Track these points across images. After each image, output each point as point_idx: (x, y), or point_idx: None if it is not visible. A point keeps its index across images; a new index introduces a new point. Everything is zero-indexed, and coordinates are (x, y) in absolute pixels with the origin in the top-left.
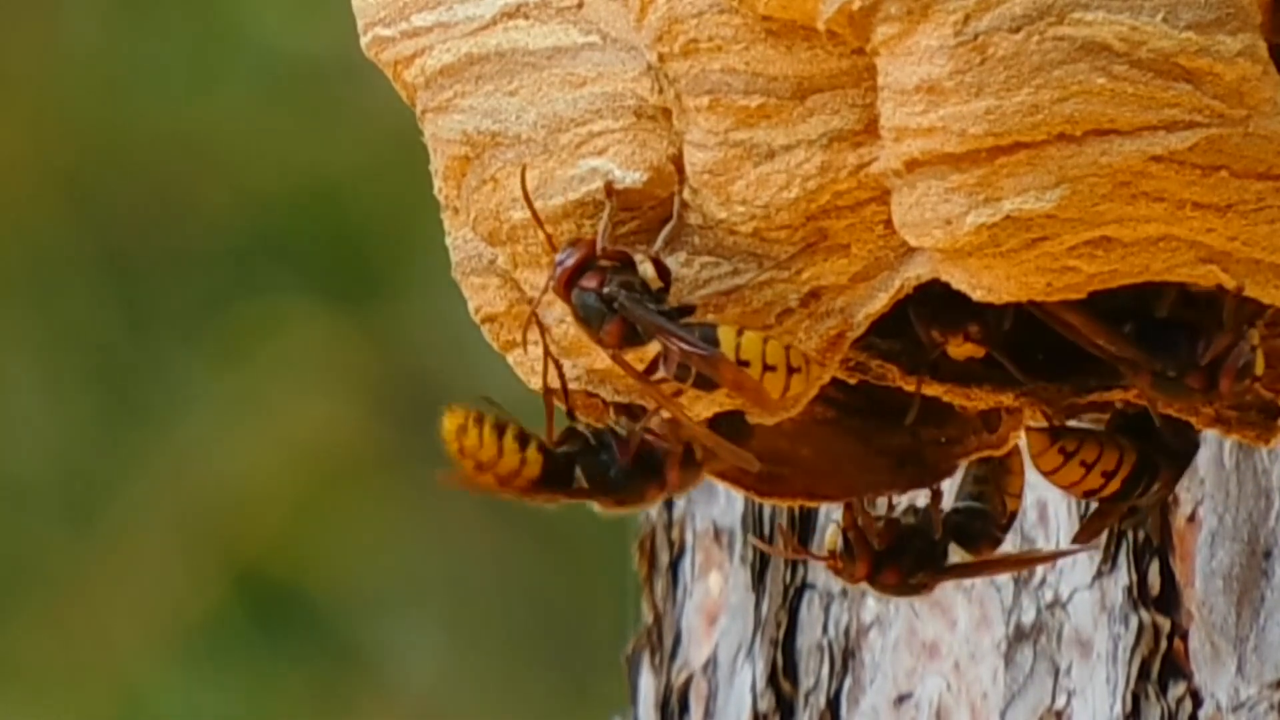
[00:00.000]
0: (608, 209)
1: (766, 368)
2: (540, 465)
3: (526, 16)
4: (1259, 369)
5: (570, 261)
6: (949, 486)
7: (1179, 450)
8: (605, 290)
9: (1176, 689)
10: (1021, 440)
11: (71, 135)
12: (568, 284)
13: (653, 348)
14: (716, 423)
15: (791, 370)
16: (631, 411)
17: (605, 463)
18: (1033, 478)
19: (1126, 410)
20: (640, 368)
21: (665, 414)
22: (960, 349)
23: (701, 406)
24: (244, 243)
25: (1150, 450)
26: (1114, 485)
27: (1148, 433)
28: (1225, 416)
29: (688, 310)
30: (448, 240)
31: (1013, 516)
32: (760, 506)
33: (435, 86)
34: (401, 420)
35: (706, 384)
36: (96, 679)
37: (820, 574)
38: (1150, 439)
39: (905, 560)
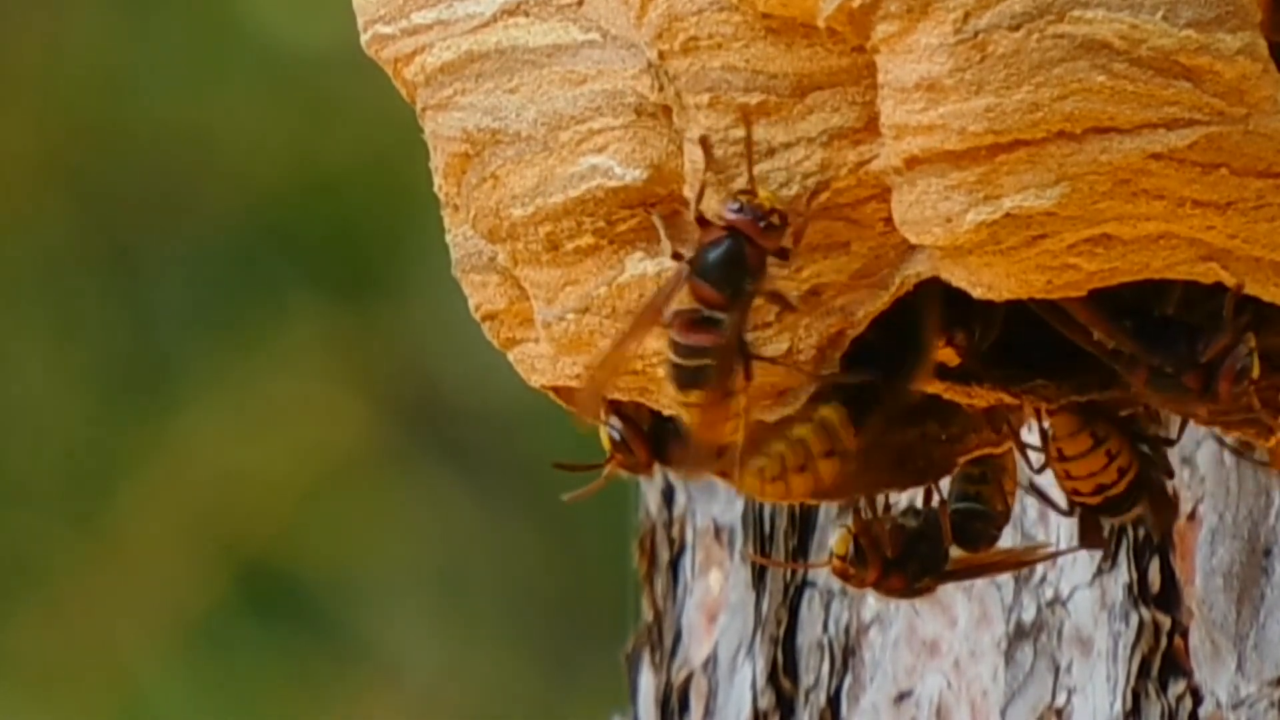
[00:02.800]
0: (805, 212)
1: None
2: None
3: (526, 14)
4: (1255, 373)
5: (769, 235)
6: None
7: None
8: (748, 281)
9: (1177, 687)
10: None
11: (74, 130)
12: (736, 228)
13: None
14: None
15: (781, 474)
16: (624, 410)
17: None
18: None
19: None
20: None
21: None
22: (939, 353)
23: None
24: (247, 237)
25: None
26: (1120, 487)
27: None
28: (1224, 413)
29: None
30: (448, 237)
31: (1008, 514)
32: (760, 505)
33: (435, 84)
34: (403, 415)
35: (684, 381)
36: (98, 673)
37: (820, 572)
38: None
39: (911, 565)
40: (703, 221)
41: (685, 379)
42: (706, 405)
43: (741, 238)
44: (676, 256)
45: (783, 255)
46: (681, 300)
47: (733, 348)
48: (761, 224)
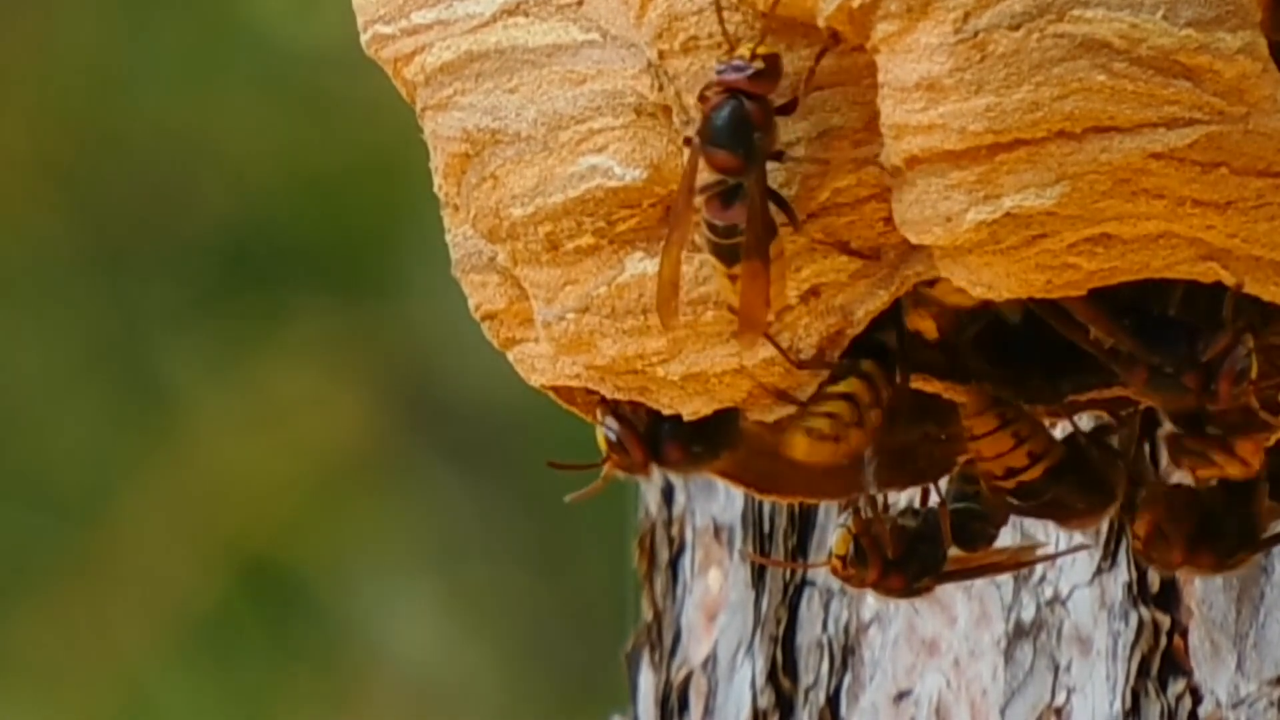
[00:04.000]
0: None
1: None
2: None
3: (526, 14)
4: (1254, 373)
5: (760, 81)
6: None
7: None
8: (756, 135)
9: (1176, 686)
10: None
11: (69, 130)
12: (734, 88)
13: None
14: (709, 423)
15: (838, 431)
16: (620, 411)
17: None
18: None
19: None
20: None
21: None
22: (921, 321)
23: (700, 404)
24: (243, 237)
25: (1077, 462)
26: (1035, 472)
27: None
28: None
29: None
30: (447, 237)
31: (1008, 514)
32: (760, 504)
33: (435, 84)
34: (403, 414)
35: (728, 258)
36: (101, 674)
37: (820, 571)
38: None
39: (911, 566)
40: (701, 98)
41: (727, 255)
42: (749, 275)
43: (737, 93)
44: (687, 141)
45: (788, 109)
46: (703, 180)
47: (762, 211)
48: (749, 73)
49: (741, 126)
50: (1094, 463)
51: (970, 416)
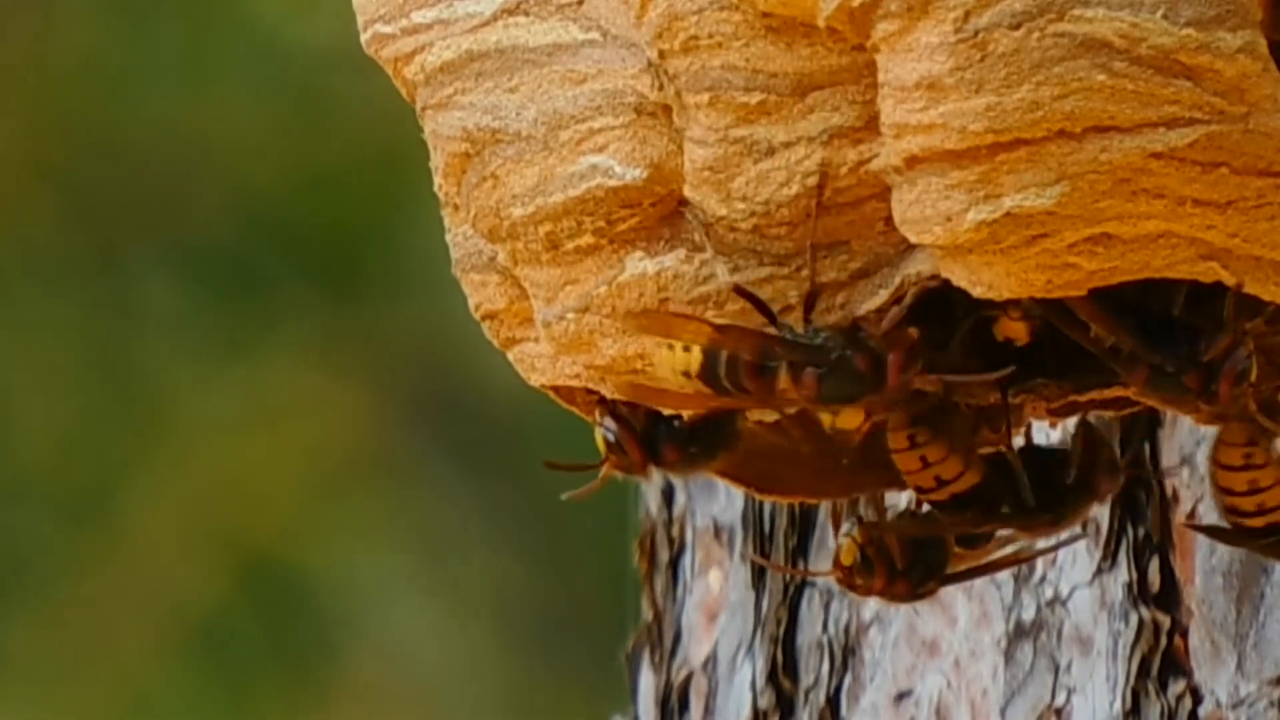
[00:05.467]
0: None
1: None
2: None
3: (527, 13)
4: (1254, 375)
5: (891, 400)
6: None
7: (1035, 509)
8: (835, 403)
9: (1176, 686)
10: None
11: (66, 130)
12: (884, 380)
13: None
14: (706, 424)
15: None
16: (618, 411)
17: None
18: None
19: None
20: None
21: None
22: (1013, 326)
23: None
24: (242, 237)
25: (1002, 487)
26: (942, 495)
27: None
28: (1224, 414)
29: None
30: (448, 237)
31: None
32: (760, 504)
33: (435, 83)
34: (403, 413)
35: (709, 383)
36: (100, 673)
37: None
38: (1015, 484)
39: (916, 572)
40: (860, 328)
41: (711, 382)
42: (708, 402)
43: (879, 388)
44: (809, 353)
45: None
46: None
47: (767, 402)
48: (892, 397)
49: (844, 396)
50: (1028, 486)
51: (889, 430)
